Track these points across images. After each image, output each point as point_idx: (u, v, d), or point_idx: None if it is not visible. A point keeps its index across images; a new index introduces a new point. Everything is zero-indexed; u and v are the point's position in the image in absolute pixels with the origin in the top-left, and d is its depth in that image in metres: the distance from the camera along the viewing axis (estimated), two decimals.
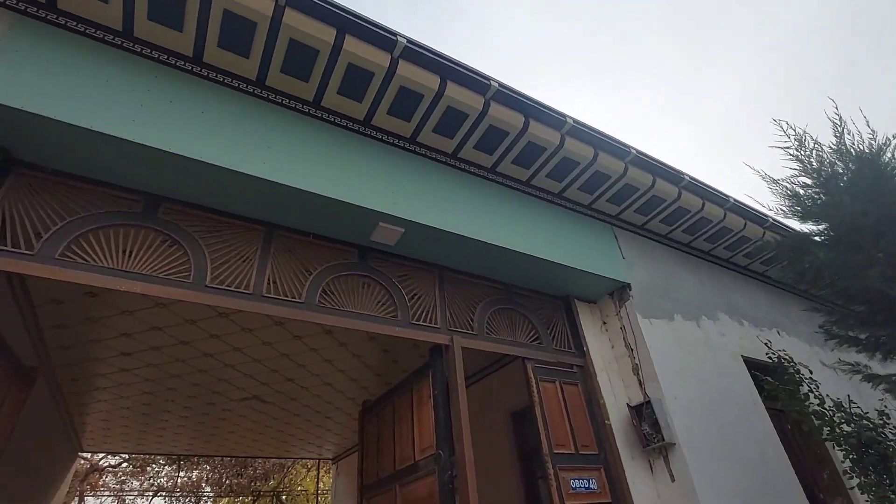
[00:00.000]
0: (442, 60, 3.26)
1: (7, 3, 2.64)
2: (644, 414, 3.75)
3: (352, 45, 3.03)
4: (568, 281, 4.24)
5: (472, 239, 3.56)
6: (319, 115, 3.38)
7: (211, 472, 15.12)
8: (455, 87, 3.37)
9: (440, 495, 2.93)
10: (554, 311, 4.31)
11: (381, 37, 3.09)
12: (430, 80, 3.29)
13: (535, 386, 3.59)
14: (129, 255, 2.68)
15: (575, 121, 3.77)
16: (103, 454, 13.34)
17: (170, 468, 14.85)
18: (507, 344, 3.76)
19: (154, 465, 14.71)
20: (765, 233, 5.22)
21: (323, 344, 5.03)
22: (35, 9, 2.68)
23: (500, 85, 3.44)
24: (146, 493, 15.23)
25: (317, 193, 3.01)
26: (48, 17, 2.70)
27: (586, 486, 3.46)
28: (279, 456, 10.38)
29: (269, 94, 3.25)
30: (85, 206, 2.70)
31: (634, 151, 4.09)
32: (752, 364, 4.75)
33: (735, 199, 4.83)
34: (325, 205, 3.11)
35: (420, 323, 3.42)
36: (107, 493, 15.10)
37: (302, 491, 16.47)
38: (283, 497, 16.20)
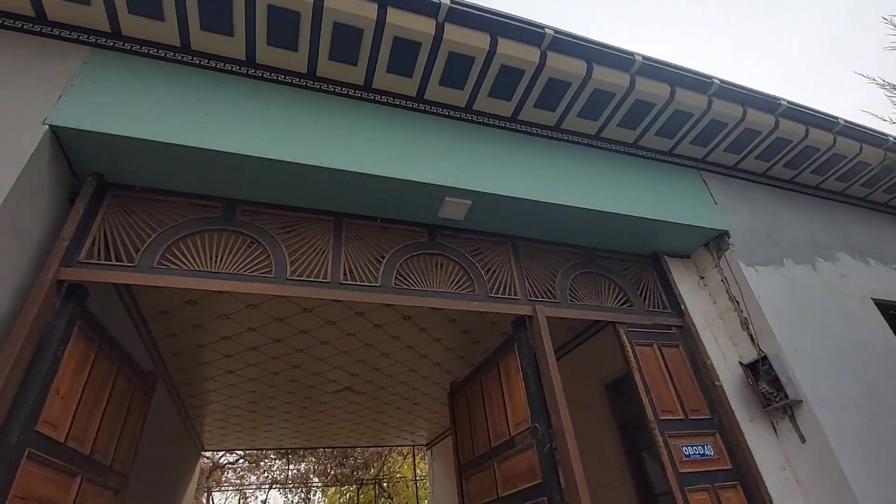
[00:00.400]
0: (490, 16, 3.08)
1: (80, 38, 2.84)
2: (760, 371, 3.36)
3: (395, 17, 2.94)
4: (654, 236, 3.90)
5: (543, 202, 3.36)
6: (372, 97, 3.34)
7: (316, 464, 16.19)
8: (507, 43, 3.17)
9: (541, 468, 2.81)
10: (642, 271, 4.00)
11: (423, 3, 2.96)
12: (479, 41, 3.12)
13: (630, 351, 3.34)
14: (216, 258, 2.80)
15: (645, 57, 3.42)
16: (222, 452, 14.75)
17: (280, 462, 16.09)
18: (594, 309, 3.53)
19: (266, 460, 16.01)
20: (885, 154, 4.48)
21: (403, 330, 5.07)
22: (103, 39, 2.87)
23: (556, 31, 3.19)
24: (262, 487, 16.63)
25: (380, 175, 2.98)
26: (115, 45, 2.88)
27: (701, 452, 3.17)
28: (375, 444, 10.83)
29: (321, 85, 3.26)
30: (172, 217, 2.86)
31: (717, 81, 3.64)
32: (886, 307, 4.12)
33: (845, 121, 4.18)
34: (389, 186, 3.07)
35: (499, 296, 3.30)
36: (229, 488, 16.67)
37: (401, 478, 17.18)
38: (384, 484, 16.98)
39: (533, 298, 3.37)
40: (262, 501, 16.45)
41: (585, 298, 3.59)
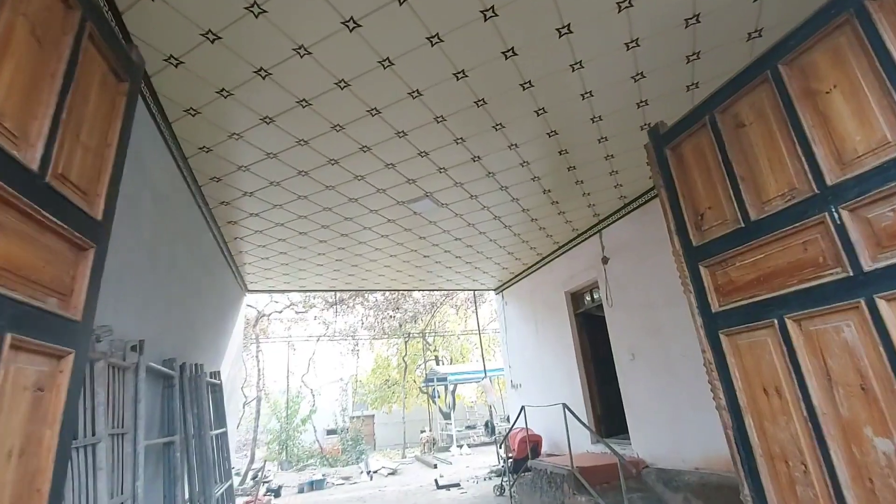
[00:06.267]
0: None
1: None
2: None
3: None
4: None
5: None
6: None
7: (365, 317, 15.89)
8: None
9: None
10: None
11: None
12: None
13: None
14: None
15: None
16: (267, 301, 14.32)
17: (328, 313, 15.66)
18: None
19: (314, 310, 15.59)
20: None
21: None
22: None
23: None
24: (310, 338, 16.54)
25: None
26: None
27: None
28: (438, 289, 10.00)
29: None
30: None
31: None
32: None
33: None
34: None
35: None
36: (277, 339, 16.51)
37: (449, 334, 17.16)
38: (430, 339, 17.01)
39: None
40: (312, 352, 16.59)
41: None
